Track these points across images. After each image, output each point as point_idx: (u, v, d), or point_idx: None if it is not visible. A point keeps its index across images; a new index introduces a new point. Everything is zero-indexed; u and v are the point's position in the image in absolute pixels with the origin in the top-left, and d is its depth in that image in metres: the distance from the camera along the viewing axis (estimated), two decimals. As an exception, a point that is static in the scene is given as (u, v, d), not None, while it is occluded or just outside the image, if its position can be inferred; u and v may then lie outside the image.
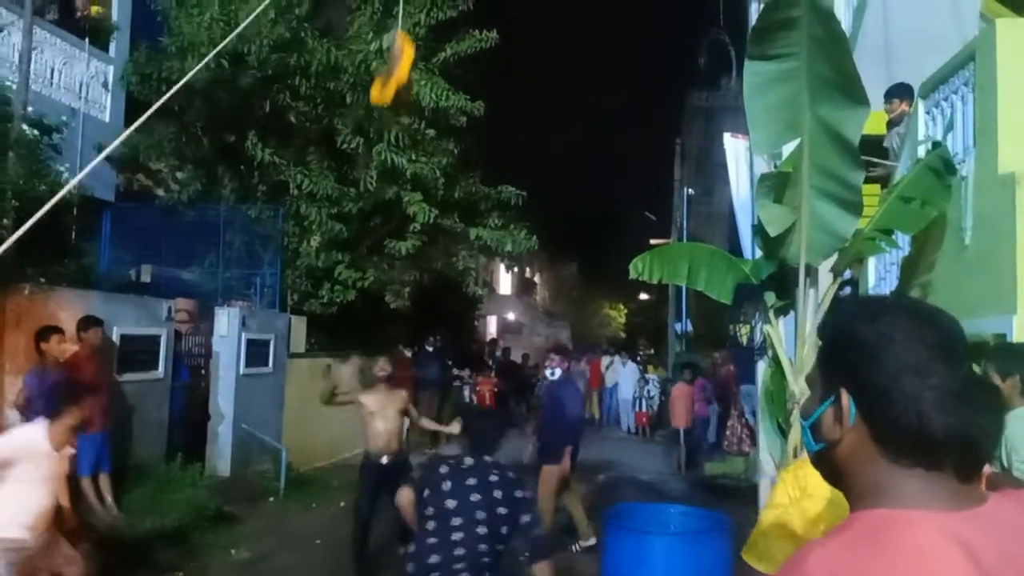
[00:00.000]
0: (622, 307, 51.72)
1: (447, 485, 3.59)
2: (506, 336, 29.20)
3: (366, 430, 6.61)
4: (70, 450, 4.67)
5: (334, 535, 8.06)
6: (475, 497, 3.56)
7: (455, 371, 15.73)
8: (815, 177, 4.28)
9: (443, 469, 3.67)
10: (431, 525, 3.52)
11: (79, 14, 11.00)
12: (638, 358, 22.25)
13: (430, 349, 14.50)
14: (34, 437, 4.49)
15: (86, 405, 4.80)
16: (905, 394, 1.06)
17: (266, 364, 10.42)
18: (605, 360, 19.70)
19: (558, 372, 7.42)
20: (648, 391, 17.67)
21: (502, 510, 3.56)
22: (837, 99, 4.10)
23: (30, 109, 7.83)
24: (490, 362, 18.44)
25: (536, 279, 40.22)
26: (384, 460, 6.46)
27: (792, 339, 4.83)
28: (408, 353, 13.94)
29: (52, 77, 10.40)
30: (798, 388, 4.59)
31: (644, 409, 17.55)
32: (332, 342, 12.28)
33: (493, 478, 3.62)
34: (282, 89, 11.28)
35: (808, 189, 4.32)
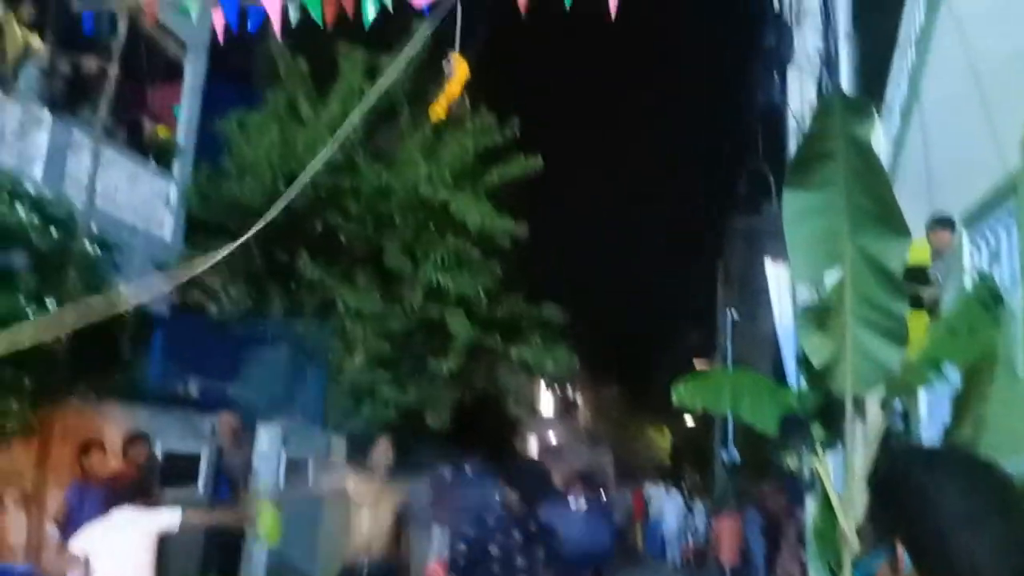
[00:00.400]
0: (666, 430, 50.64)
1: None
2: (546, 457, 28.68)
3: (348, 527, 5.36)
4: None
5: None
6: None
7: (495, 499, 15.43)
8: (858, 307, 4.24)
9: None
10: None
11: (145, 136, 11.63)
12: (683, 486, 21.61)
13: (469, 470, 14.29)
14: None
15: None
16: (960, 546, 1.05)
17: (305, 483, 10.35)
18: (650, 489, 19.15)
19: (582, 502, 7.13)
20: (694, 523, 17.05)
21: None
22: (877, 230, 4.10)
23: (94, 226, 8.20)
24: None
25: (578, 400, 39.79)
26: (362, 568, 5.15)
27: (841, 474, 4.67)
28: (447, 475, 13.72)
29: (116, 195, 10.92)
30: (848, 526, 4.40)
31: (690, 542, 16.88)
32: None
33: None
34: (334, 210, 11.70)
35: (851, 320, 4.26)
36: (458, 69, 7.12)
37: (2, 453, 6.65)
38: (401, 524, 5.41)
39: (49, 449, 7.01)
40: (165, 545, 7.91)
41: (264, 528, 4.33)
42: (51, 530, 6.79)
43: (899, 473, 1.18)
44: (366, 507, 5.34)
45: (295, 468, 10.15)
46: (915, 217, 5.94)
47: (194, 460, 8.71)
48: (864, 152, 4.01)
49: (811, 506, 4.92)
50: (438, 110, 7.35)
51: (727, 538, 12.02)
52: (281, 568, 9.62)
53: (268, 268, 12.31)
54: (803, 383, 4.95)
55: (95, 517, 6.53)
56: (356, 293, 11.52)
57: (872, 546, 1.13)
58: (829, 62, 5.86)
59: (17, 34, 9.27)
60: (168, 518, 5.16)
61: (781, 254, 5.52)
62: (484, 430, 15.92)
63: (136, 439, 7.26)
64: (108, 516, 5.00)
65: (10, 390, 6.47)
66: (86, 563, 4.81)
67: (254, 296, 12.21)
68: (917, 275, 5.81)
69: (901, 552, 1.11)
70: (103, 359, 8.22)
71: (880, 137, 7.82)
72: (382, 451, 5.47)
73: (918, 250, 5.88)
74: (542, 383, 22.47)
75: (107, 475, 6.90)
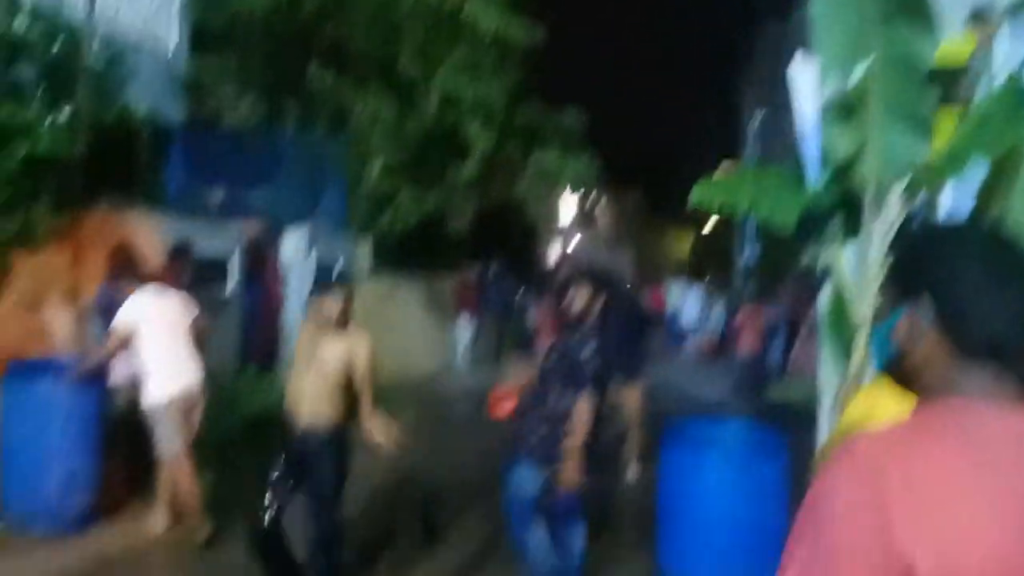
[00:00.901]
0: (687, 234, 50.99)
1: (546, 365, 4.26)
2: (566, 264, 29.18)
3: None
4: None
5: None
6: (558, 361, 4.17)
7: (517, 297, 15.85)
8: (885, 100, 4.12)
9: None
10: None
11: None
12: (703, 284, 22.07)
13: (491, 274, 14.63)
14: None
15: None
16: (984, 304, 1.11)
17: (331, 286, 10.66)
18: (669, 286, 19.60)
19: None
20: (712, 318, 17.57)
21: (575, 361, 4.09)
22: (909, 22, 3.92)
23: (97, 40, 7.97)
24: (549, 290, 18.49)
25: (598, 207, 39.86)
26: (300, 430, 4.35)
27: (857, 265, 4.73)
28: (472, 273, 14.10)
29: (118, 8, 10.50)
30: (860, 315, 4.52)
31: (708, 335, 17.48)
32: (396, 262, 12.47)
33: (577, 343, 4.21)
34: (342, 19, 11.23)
35: (877, 113, 4.16)
36: None
37: (38, 256, 6.89)
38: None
39: (83, 252, 7.23)
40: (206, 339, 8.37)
41: None
42: (90, 326, 7.11)
43: (923, 241, 1.24)
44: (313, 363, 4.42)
45: (323, 272, 10.43)
46: (954, 13, 5.62)
47: (224, 263, 8.96)
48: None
49: (825, 298, 5.03)
50: None
51: (747, 330, 12.36)
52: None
53: (279, 79, 12.02)
54: (824, 178, 4.90)
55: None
56: (370, 101, 11.29)
57: (893, 307, 1.17)
58: None
59: None
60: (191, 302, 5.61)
61: (808, 50, 5.29)
62: (504, 237, 16.14)
63: (180, 250, 7.08)
64: (141, 294, 5.30)
65: (32, 197, 6.60)
66: (127, 340, 5.18)
67: (268, 107, 12.01)
68: (953, 74, 5.58)
69: (923, 308, 1.16)
70: (123, 169, 8.28)
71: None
72: (332, 304, 4.40)
73: (955, 49, 5.60)
74: (562, 190, 22.41)
75: (141, 275, 7.10)
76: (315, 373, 4.35)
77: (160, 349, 5.21)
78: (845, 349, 4.89)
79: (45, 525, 5.23)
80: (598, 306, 4.36)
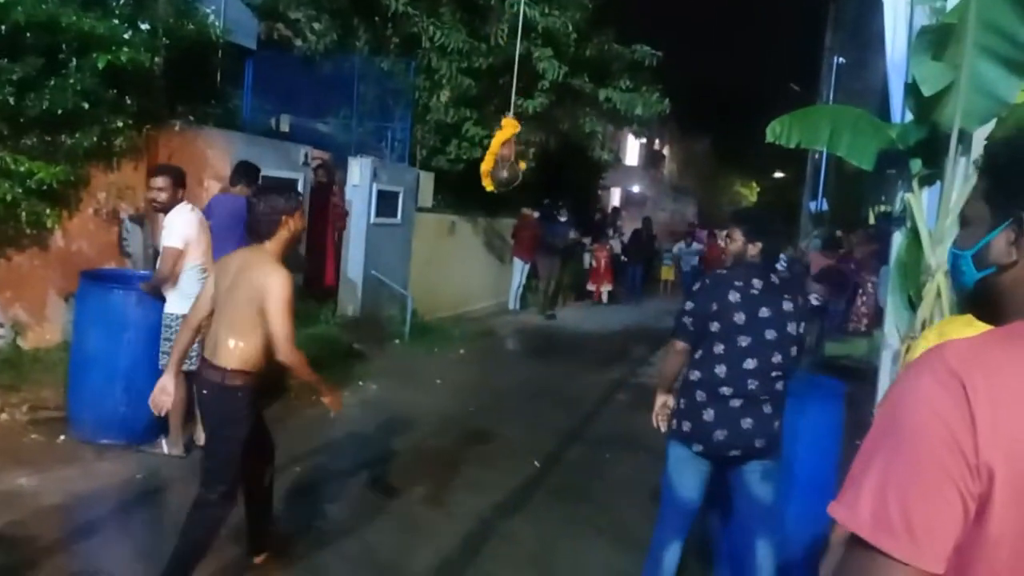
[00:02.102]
0: (755, 185, 49.92)
1: (735, 297, 3.50)
2: (629, 208, 28.89)
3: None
4: None
5: (453, 378, 8.54)
6: (764, 313, 3.49)
7: (577, 236, 15.74)
8: (980, 33, 3.92)
9: (733, 281, 3.54)
10: (718, 345, 3.49)
11: None
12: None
13: (554, 212, 14.55)
14: (191, 215, 5.32)
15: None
16: None
17: (395, 216, 10.78)
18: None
19: (695, 246, 7.15)
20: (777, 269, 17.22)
21: (792, 326, 3.52)
22: (1019, -58, 3.69)
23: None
24: (611, 231, 18.36)
25: (665, 151, 39.14)
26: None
27: (935, 210, 4.57)
28: (533, 214, 14.04)
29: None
30: (935, 260, 4.39)
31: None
32: (458, 199, 12.54)
33: (783, 293, 3.58)
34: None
35: (971, 46, 3.96)
36: (505, 128, 6.68)
37: (115, 171, 7.07)
38: None
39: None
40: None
41: None
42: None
43: (1021, 149, 1.15)
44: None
45: (386, 200, 10.52)
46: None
47: (291, 185, 9.07)
48: None
49: (898, 240, 4.88)
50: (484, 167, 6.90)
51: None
52: (376, 292, 10.32)
53: (352, 3, 11.97)
54: (908, 118, 4.72)
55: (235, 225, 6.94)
56: (441, 28, 11.19)
57: (991, 224, 1.12)
58: None
59: None
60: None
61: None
62: (569, 175, 15.98)
63: (245, 169, 7.27)
64: (185, 213, 5.23)
65: (115, 109, 6.73)
66: (180, 258, 5.15)
67: (339, 31, 12.00)
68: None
69: (1016, 227, 1.11)
70: (198, 86, 8.40)
71: None
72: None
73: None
74: (629, 130, 22.01)
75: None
76: None
77: (192, 264, 5.19)
78: (914, 298, 4.76)
79: (111, 436, 5.33)
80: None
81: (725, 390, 3.47)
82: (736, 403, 3.47)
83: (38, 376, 6.18)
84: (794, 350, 3.57)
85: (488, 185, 7.11)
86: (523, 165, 7.22)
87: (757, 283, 3.55)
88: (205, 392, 3.61)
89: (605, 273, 16.65)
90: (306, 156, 9.37)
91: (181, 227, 5.16)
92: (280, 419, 5.94)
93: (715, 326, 3.49)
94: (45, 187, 6.34)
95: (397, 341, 9.79)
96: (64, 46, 6.37)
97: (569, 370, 9.67)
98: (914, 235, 4.66)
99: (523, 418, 7.32)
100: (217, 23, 8.26)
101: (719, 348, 3.49)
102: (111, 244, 7.19)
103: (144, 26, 6.97)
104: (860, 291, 11.48)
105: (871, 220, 16.04)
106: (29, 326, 6.67)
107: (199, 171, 7.53)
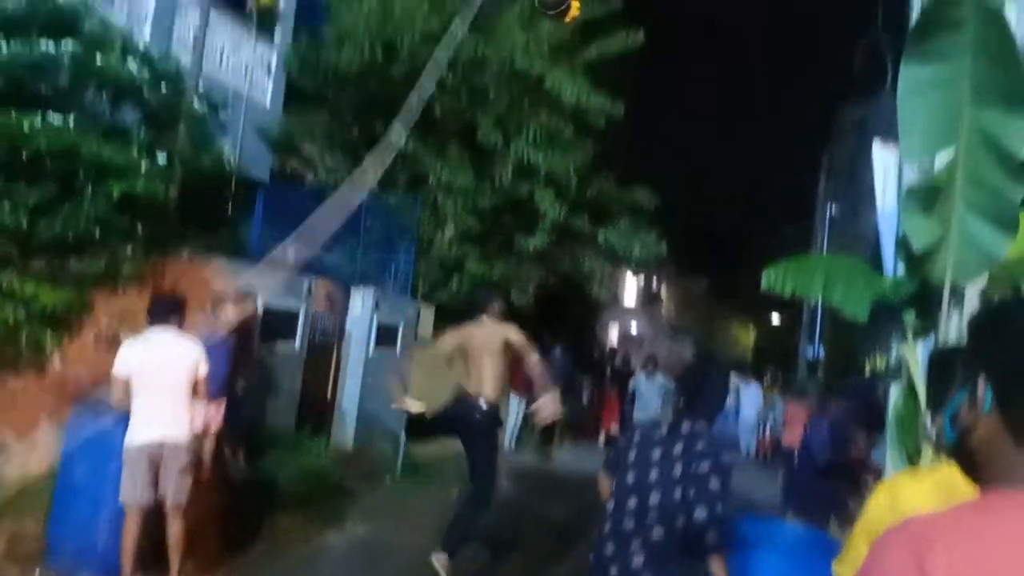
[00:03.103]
0: (751, 327, 50.23)
1: (637, 437, 3.51)
2: (626, 347, 28.93)
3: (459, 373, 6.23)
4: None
5: (445, 520, 8.28)
6: (655, 455, 3.40)
7: (574, 376, 15.67)
8: (969, 190, 4.04)
9: (633, 437, 3.55)
10: (614, 480, 3.48)
11: (249, 1, 11.70)
12: (764, 381, 21.55)
13: (551, 350, 14.56)
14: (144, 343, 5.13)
15: (184, 318, 5.35)
16: None
17: (394, 348, 10.79)
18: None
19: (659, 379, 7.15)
20: (773, 416, 17.04)
21: (678, 468, 3.36)
22: (1000, 107, 3.86)
23: (200, 87, 8.42)
24: (608, 371, 18.29)
25: (662, 291, 39.63)
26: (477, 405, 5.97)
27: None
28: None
29: (221, 60, 11.13)
30: (931, 414, 4.36)
31: (767, 435, 16.94)
32: (458, 333, 12.58)
33: (684, 441, 3.41)
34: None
35: (960, 202, 4.08)
36: None
37: (118, 296, 7.14)
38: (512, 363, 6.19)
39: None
40: (262, 402, 8.52)
41: None
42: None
43: (993, 313, 1.20)
44: (484, 351, 6.02)
45: (386, 333, 10.56)
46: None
47: (293, 317, 9.14)
48: (994, 22, 3.74)
49: (895, 394, 4.86)
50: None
51: (794, 423, 12.01)
52: (369, 425, 10.19)
53: (364, 139, 12.47)
54: (900, 271, 4.81)
55: (217, 364, 6.99)
56: (448, 167, 11.60)
57: (959, 387, 1.15)
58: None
59: None
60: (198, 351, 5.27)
61: (892, 137, 5.27)
62: (566, 313, 16.12)
63: (242, 295, 7.61)
64: (139, 338, 5.15)
65: (125, 236, 6.88)
66: (127, 383, 5.00)
67: (350, 166, 12.43)
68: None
69: (982, 388, 1.13)
70: (209, 217, 8.61)
71: (1013, 13, 7.23)
72: (496, 308, 6.29)
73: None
74: (627, 270, 22.37)
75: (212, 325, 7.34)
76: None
77: (144, 393, 4.99)
78: (911, 455, 4.70)
79: (91, 570, 5.12)
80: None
81: (606, 527, 3.45)
82: (612, 544, 3.41)
83: (22, 504, 6.00)
84: (678, 493, 3.33)
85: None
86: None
87: (664, 428, 3.55)
88: None
89: (611, 410, 16.35)
90: (309, 287, 9.48)
91: (122, 356, 5.06)
92: (267, 563, 5.74)
93: (616, 461, 3.57)
94: (48, 312, 6.38)
95: (389, 477, 9.57)
96: (81, 173, 6.58)
97: (568, 513, 9.39)
98: (910, 389, 4.65)
99: (519, 566, 7.06)
100: (233, 157, 8.55)
101: (614, 483, 3.53)
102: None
103: (161, 156, 7.21)
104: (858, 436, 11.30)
105: (872, 367, 16.04)
106: (17, 452, 6.55)
107: (203, 299, 7.59)
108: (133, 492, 4.91)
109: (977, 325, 1.24)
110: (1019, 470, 1.08)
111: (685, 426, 3.51)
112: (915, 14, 4.70)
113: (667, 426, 3.55)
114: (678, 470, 3.37)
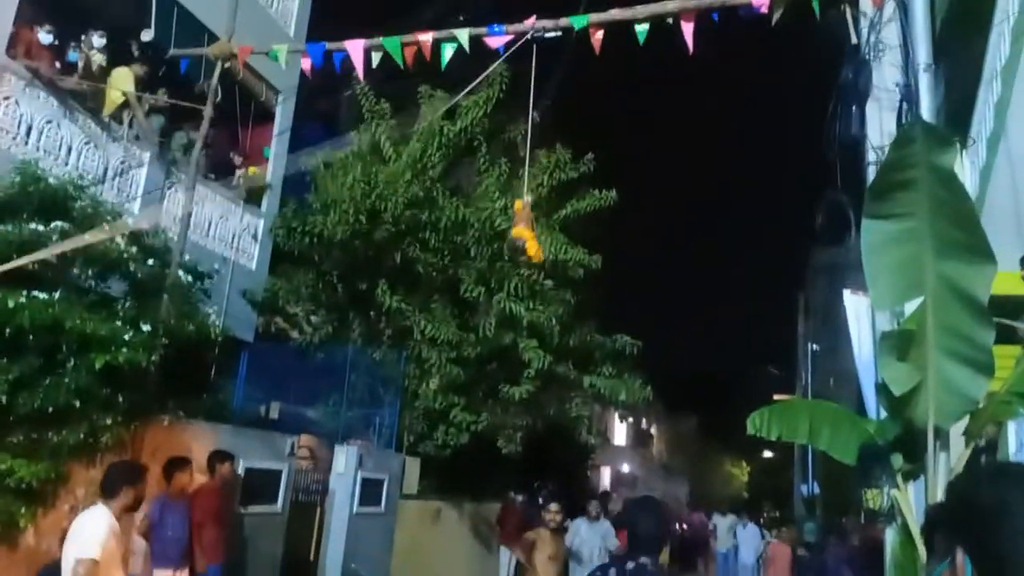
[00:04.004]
0: (744, 465, 49.49)
1: None
2: (620, 489, 28.35)
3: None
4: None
5: None
6: None
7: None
8: (941, 336, 4.16)
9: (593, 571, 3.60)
10: None
11: (237, 177, 12.23)
12: (761, 520, 21.04)
13: (541, 497, 14.23)
14: (106, 520, 4.38)
15: (142, 486, 4.67)
16: (1019, 556, 1.07)
17: (379, 504, 10.53)
18: (724, 520, 18.73)
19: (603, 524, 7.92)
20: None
21: None
22: (962, 257, 4.04)
23: (187, 256, 8.62)
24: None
25: (653, 431, 39.23)
26: None
27: (923, 505, 4.55)
28: (519, 499, 13.73)
29: (209, 229, 11.47)
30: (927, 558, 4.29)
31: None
32: (444, 484, 12.36)
33: None
34: (413, 242, 11.99)
35: (934, 348, 4.18)
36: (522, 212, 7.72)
37: (97, 466, 6.98)
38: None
39: (142, 463, 7.31)
40: (243, 565, 8.21)
41: None
42: (137, 541, 7.09)
43: (972, 486, 1.21)
44: (548, 554, 7.33)
45: (371, 488, 10.33)
46: (1005, 249, 5.77)
47: (275, 477, 8.95)
48: (947, 180, 3.97)
49: (891, 538, 4.80)
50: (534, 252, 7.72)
51: (777, 564, 11.73)
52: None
53: (349, 297, 12.66)
54: (883, 414, 4.85)
55: (176, 529, 6.84)
56: (433, 321, 11.74)
57: (939, 558, 1.17)
58: (909, 96, 5.78)
59: (121, 81, 9.91)
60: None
61: (861, 285, 5.45)
62: (556, 458, 15.87)
63: (223, 456, 7.58)
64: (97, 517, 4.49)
65: (106, 406, 6.81)
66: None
67: (335, 324, 12.56)
68: (1009, 307, 5.63)
69: (961, 561, 1.14)
70: (192, 381, 8.57)
71: (966, 169, 7.64)
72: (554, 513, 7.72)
73: (1013, 282, 5.70)
74: (616, 413, 22.25)
75: (191, 490, 7.20)
76: None
77: None
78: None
79: None
80: None
81: None
82: None
83: None
84: None
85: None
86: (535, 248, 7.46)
87: (612, 571, 3.53)
88: None
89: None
90: (292, 446, 9.34)
91: (91, 533, 4.40)
92: None
93: None
94: (24, 485, 6.23)
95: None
96: (64, 346, 6.59)
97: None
98: (906, 532, 4.59)
99: None
100: (218, 322, 8.63)
101: None
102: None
103: (145, 327, 7.26)
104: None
105: (867, 504, 15.74)
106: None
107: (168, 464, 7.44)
108: None
109: (952, 496, 1.25)
110: None
111: (629, 564, 3.49)
112: (870, 176, 4.98)
113: (614, 569, 3.54)
114: None
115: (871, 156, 5.53)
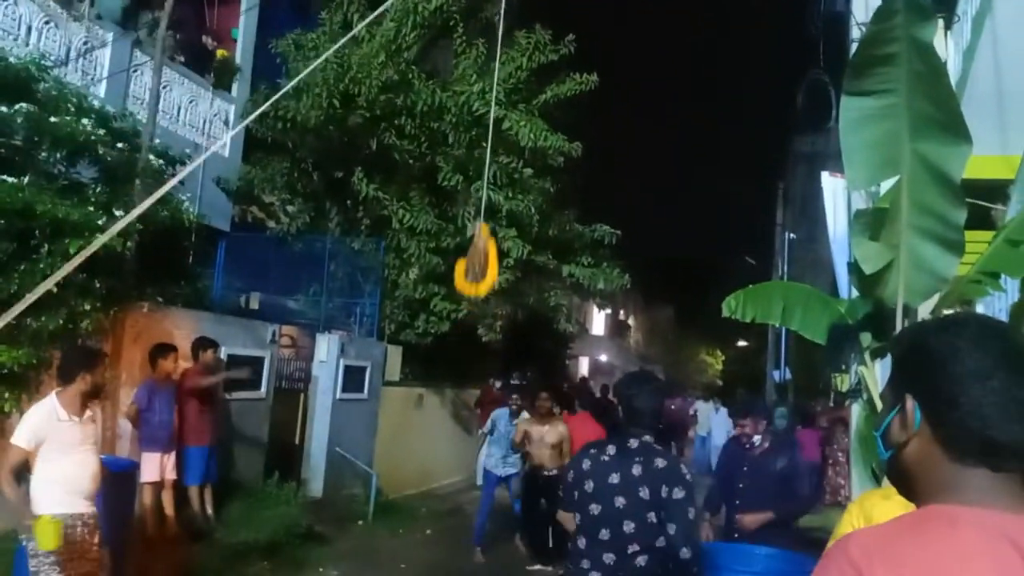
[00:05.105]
0: (719, 353, 50.67)
1: (586, 465, 3.40)
2: (598, 377, 29.02)
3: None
4: (90, 414, 4.55)
5: (419, 561, 8.20)
6: (614, 479, 3.30)
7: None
8: (914, 215, 4.18)
9: (582, 465, 3.45)
10: (577, 515, 3.38)
11: (206, 57, 11.80)
12: (735, 406, 21.72)
13: (520, 383, 14.55)
14: (45, 409, 4.37)
15: (98, 372, 4.58)
16: (968, 398, 1.10)
17: (362, 391, 10.74)
18: (705, 406, 19.32)
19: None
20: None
21: (644, 491, 3.25)
22: (938, 135, 4.00)
23: (157, 141, 8.42)
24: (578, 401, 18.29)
25: (630, 321, 39.87)
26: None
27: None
28: (498, 385, 14.05)
29: (179, 114, 11.17)
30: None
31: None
32: (425, 372, 12.57)
33: (636, 458, 3.32)
34: (388, 128, 11.76)
35: (906, 227, 4.21)
36: (489, 247, 6.70)
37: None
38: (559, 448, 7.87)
39: (122, 350, 7.39)
40: (228, 450, 8.41)
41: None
42: (123, 424, 7.25)
43: (921, 333, 1.22)
44: (538, 438, 7.86)
45: (353, 376, 10.51)
46: (986, 131, 5.75)
47: (258, 364, 9.07)
48: (926, 55, 3.89)
49: (856, 414, 4.96)
50: (480, 290, 7.08)
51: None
52: (339, 469, 10.08)
53: (325, 186, 12.50)
54: (855, 294, 4.93)
55: (163, 413, 6.97)
56: (411, 210, 11.66)
57: (889, 407, 1.18)
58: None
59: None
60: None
61: (838, 169, 5.44)
62: (535, 346, 16.16)
63: (206, 343, 7.66)
64: (43, 405, 4.44)
65: (83, 292, 6.80)
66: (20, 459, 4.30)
67: (312, 213, 12.45)
68: (991, 192, 5.64)
69: (911, 407, 1.16)
70: (170, 269, 8.55)
71: (950, 48, 7.52)
72: (543, 400, 8.03)
73: (986, 165, 5.70)
74: (594, 303, 22.51)
75: (176, 375, 7.31)
76: None
77: (47, 467, 4.29)
78: (876, 469, 4.79)
79: None
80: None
81: (584, 563, 3.31)
82: None
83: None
84: (652, 516, 3.26)
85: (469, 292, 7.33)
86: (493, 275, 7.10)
87: (611, 448, 3.44)
88: None
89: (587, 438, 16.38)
90: (274, 334, 9.42)
91: (24, 421, 4.38)
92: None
93: (574, 495, 3.42)
94: (7, 370, 6.27)
95: (361, 522, 9.45)
96: (37, 231, 6.51)
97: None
98: (871, 407, 4.75)
99: None
100: (192, 209, 8.52)
101: (578, 518, 3.39)
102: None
103: (119, 213, 7.17)
104: (831, 461, 11.47)
105: (836, 387, 16.25)
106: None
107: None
108: None
109: (900, 346, 1.26)
110: (953, 485, 1.10)
111: (632, 442, 3.42)
112: (852, 52, 4.89)
113: (613, 446, 3.46)
114: (645, 493, 3.26)
115: (855, 33, 5.41)
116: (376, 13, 6.70)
